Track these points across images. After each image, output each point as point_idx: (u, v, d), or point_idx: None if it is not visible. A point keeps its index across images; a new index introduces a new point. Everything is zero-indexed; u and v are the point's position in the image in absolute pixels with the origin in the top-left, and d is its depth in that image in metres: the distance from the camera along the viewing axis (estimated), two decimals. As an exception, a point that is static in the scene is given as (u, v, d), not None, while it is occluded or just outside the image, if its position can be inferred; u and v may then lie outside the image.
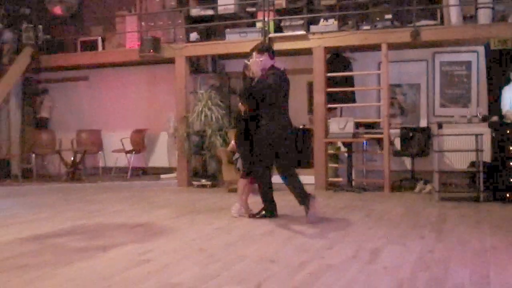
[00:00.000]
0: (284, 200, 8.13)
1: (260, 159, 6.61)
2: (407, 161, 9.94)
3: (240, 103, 7.01)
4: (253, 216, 6.78)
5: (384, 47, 9.24)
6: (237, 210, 6.89)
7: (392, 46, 9.38)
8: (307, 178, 10.05)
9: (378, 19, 9.68)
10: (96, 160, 12.19)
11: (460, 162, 9.01)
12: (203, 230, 6.06)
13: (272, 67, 6.68)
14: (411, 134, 9.78)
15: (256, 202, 6.98)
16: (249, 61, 6.72)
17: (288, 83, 6.78)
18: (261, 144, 6.55)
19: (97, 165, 12.14)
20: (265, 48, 6.75)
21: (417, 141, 9.69)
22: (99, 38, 11.71)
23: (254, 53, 6.70)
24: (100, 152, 12.04)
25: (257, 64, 6.57)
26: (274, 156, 6.63)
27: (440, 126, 8.71)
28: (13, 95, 12.19)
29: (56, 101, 12.83)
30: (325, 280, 4.03)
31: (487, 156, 8.27)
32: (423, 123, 10.12)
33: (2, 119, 12.09)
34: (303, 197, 6.55)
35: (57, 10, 12.43)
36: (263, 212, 6.81)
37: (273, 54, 6.75)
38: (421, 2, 9.46)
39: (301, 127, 11.68)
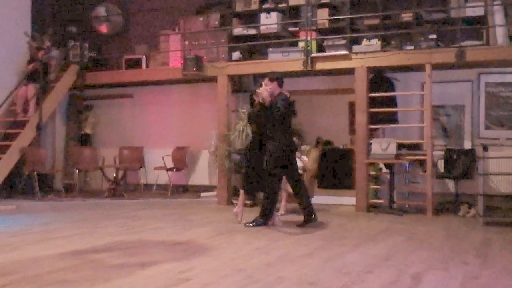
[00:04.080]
0: (324, 221, 8.09)
1: (276, 172, 7.46)
2: (451, 184, 9.74)
3: (249, 124, 8.24)
4: (248, 224, 7.59)
5: (428, 67, 9.12)
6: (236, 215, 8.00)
7: (436, 67, 9.25)
8: (347, 200, 9.99)
9: (422, 39, 9.58)
10: (137, 177, 12.30)
11: (505, 185, 8.80)
12: (242, 250, 6.02)
13: (280, 93, 7.59)
14: (455, 156, 9.60)
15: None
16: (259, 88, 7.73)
17: (293, 108, 7.96)
18: (277, 159, 7.41)
19: (139, 182, 12.24)
20: (275, 77, 7.68)
21: (461, 164, 9.50)
22: (144, 56, 11.89)
23: (264, 81, 7.70)
24: (141, 169, 12.15)
25: (266, 91, 7.53)
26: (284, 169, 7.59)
27: (485, 148, 8.52)
28: (58, 111, 12.46)
29: (100, 118, 13.04)
30: (365, 305, 3.95)
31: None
32: (467, 145, 9.91)
33: (47, 134, 12.35)
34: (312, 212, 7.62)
35: (103, 28, 12.72)
36: (261, 219, 7.60)
37: (281, 82, 7.70)
38: (466, 22, 9.32)
39: (341, 147, 11.59)
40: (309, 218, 7.61)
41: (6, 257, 5.57)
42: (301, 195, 7.69)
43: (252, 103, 8.00)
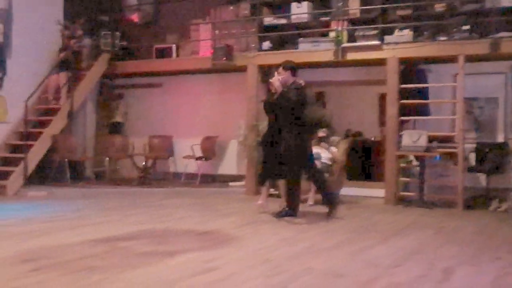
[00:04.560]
0: (353, 214, 8.05)
1: (294, 161, 7.39)
2: (482, 178, 9.57)
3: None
4: (277, 215, 7.50)
5: (461, 59, 8.96)
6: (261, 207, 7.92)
7: (469, 58, 9.08)
8: (376, 192, 9.89)
9: (455, 30, 9.41)
10: (166, 166, 12.37)
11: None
12: (268, 240, 6.01)
13: (294, 82, 7.53)
14: (486, 150, 9.42)
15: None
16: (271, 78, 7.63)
17: (306, 96, 7.69)
18: (293, 148, 7.32)
19: (168, 171, 12.32)
20: (288, 66, 7.59)
21: (493, 157, 9.32)
22: (174, 46, 11.91)
23: (278, 70, 7.61)
24: (170, 158, 12.21)
25: (278, 81, 7.45)
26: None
27: (518, 142, 8.37)
28: (89, 99, 12.59)
29: (130, 107, 13.13)
30: (393, 298, 3.90)
31: None
32: (500, 139, 9.73)
33: (78, 122, 12.48)
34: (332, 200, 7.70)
35: (134, 17, 12.78)
36: (288, 210, 7.52)
37: (295, 71, 7.61)
38: (501, 12, 9.12)
39: (372, 139, 11.49)
40: (330, 207, 7.62)
41: (37, 243, 5.65)
42: (317, 184, 7.77)
43: (268, 92, 7.94)
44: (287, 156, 7.39)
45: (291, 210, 7.54)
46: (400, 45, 9.42)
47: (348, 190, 9.75)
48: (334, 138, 9.68)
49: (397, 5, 10.00)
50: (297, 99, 7.36)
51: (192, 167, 11.89)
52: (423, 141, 9.01)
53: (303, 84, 7.66)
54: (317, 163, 8.84)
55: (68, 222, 7.07)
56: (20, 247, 5.43)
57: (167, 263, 4.84)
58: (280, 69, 7.61)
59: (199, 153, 11.74)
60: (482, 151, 9.43)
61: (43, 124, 11.13)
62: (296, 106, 7.38)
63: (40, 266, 4.60)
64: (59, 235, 6.14)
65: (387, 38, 9.61)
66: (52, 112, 11.30)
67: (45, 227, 6.61)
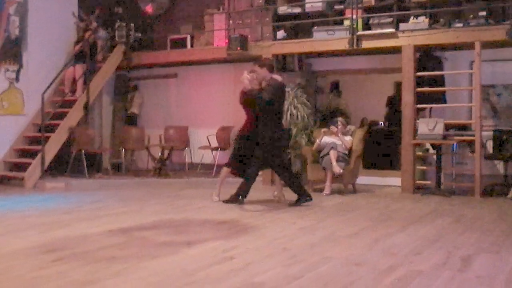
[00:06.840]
0: (370, 202, 8.04)
1: (277, 157, 7.58)
2: (500, 165, 9.50)
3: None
4: (293, 204, 7.63)
5: (477, 45, 8.86)
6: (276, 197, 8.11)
7: (486, 45, 8.99)
8: (393, 180, 9.87)
9: (471, 16, 9.30)
10: (182, 156, 12.39)
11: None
12: (286, 230, 6.02)
13: (271, 79, 7.53)
14: (504, 137, 9.33)
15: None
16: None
17: (284, 93, 7.84)
18: (267, 144, 7.46)
19: (184, 161, 12.34)
20: (264, 64, 7.68)
21: (511, 145, 9.24)
22: (188, 36, 11.91)
23: (254, 68, 7.71)
24: (186, 149, 12.24)
25: (247, 79, 7.58)
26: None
27: (537, 129, 8.29)
28: (105, 91, 12.64)
29: (145, 98, 13.16)
30: (414, 286, 3.89)
31: None
32: (518, 126, 9.65)
33: (95, 115, 12.54)
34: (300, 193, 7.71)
35: (149, 8, 12.78)
36: (303, 198, 7.64)
37: (272, 68, 7.72)
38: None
39: (381, 124, 11.40)
40: (300, 199, 7.68)
41: (56, 234, 5.71)
42: (288, 181, 7.77)
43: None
44: (262, 149, 7.51)
45: (303, 197, 7.62)
46: (415, 32, 9.33)
47: (364, 179, 9.74)
48: (350, 127, 9.65)
49: (412, -8, 9.92)
50: (270, 97, 7.35)
51: (208, 157, 11.90)
52: (439, 129, 8.94)
53: (280, 79, 7.66)
54: (333, 153, 8.83)
55: (87, 213, 7.14)
56: (41, 238, 5.50)
57: (185, 253, 4.87)
58: (256, 66, 7.65)
59: (214, 144, 11.74)
60: (499, 139, 9.35)
61: (60, 116, 11.18)
62: (272, 103, 7.39)
63: (61, 257, 4.65)
64: (79, 225, 6.19)
65: (403, 26, 9.53)
66: (69, 104, 11.35)
67: (64, 218, 6.69)
